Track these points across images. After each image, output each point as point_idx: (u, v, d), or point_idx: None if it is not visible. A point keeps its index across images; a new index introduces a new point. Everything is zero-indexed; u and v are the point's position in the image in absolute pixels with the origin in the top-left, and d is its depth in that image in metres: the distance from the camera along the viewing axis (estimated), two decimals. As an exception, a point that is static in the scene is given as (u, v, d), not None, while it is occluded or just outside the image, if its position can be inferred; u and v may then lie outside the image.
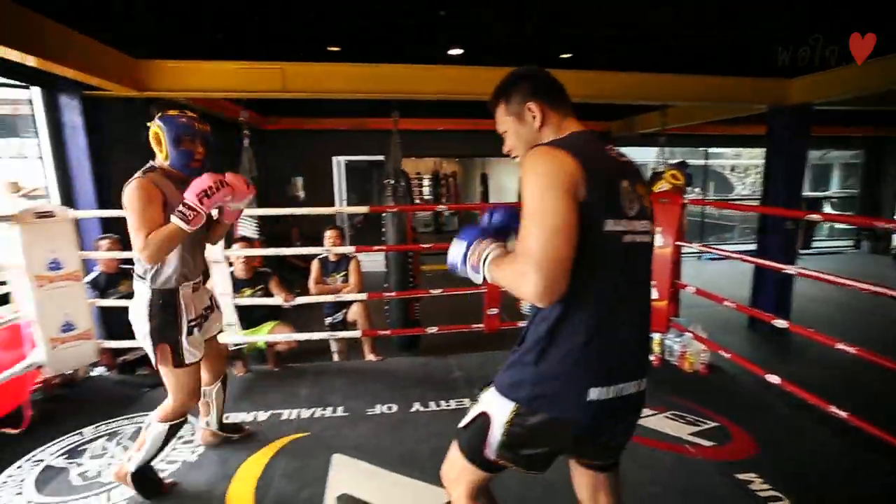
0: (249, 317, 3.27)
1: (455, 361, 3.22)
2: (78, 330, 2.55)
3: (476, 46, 4.27)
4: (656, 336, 3.06)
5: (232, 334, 2.85)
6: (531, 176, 0.91)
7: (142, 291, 1.73)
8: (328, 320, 3.74)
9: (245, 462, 2.10)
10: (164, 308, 1.72)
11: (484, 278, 1.03)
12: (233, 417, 2.50)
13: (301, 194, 8.08)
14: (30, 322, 2.45)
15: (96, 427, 2.41)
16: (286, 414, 2.54)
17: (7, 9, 2.49)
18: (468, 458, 1.10)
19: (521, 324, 3.67)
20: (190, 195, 1.57)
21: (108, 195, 3.79)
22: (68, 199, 3.73)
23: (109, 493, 1.91)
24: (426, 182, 12.66)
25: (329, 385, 2.90)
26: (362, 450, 2.19)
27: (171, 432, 1.82)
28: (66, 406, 2.62)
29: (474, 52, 4.36)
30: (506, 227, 1.15)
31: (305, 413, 2.55)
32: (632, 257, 0.99)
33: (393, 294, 3.64)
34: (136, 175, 1.64)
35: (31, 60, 2.80)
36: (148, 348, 1.73)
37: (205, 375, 1.98)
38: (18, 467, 2.09)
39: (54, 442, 2.27)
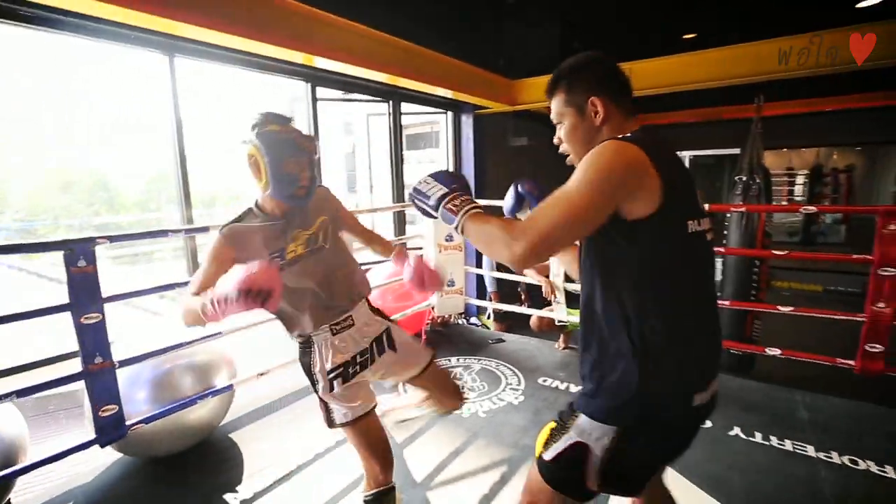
0: (575, 299, 3.64)
1: (802, 398, 2.61)
2: (456, 287, 3.56)
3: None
4: None
5: (560, 312, 3.29)
6: (594, 160, 0.87)
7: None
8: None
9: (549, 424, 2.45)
10: (302, 359, 1.43)
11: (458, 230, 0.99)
12: (549, 383, 2.92)
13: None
14: (431, 275, 3.61)
15: (458, 358, 3.32)
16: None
17: (436, 60, 3.66)
18: (559, 489, 1.05)
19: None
20: (218, 289, 1.08)
21: (482, 188, 4.97)
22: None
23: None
24: (800, 179, 9.99)
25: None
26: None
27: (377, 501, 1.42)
28: (445, 338, 3.71)
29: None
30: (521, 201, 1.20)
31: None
32: (709, 255, 1.00)
33: (726, 303, 3.21)
34: (225, 223, 1.32)
35: (448, 93, 4.01)
36: None
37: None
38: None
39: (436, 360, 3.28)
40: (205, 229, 2.34)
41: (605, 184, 0.85)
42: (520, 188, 1.23)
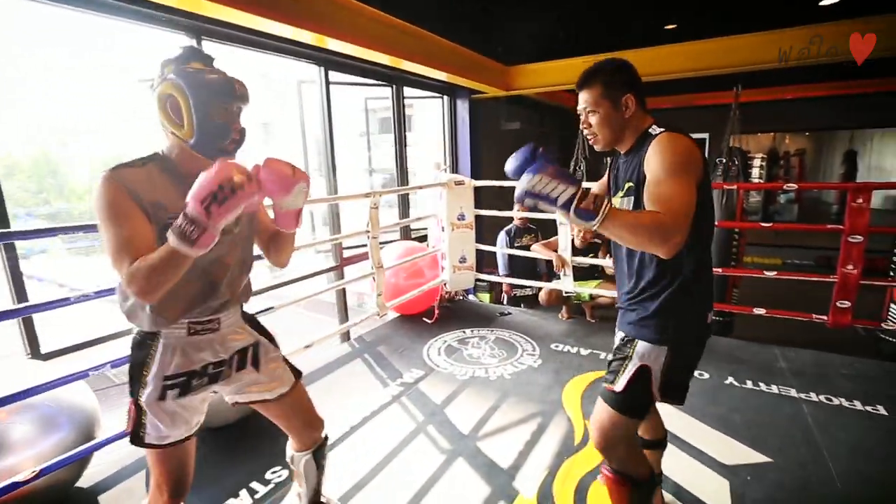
0: (580, 272, 3.89)
1: (780, 352, 3.00)
2: (468, 263, 3.76)
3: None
4: None
5: (566, 284, 3.55)
6: (675, 149, 1.10)
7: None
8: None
9: (569, 382, 2.72)
10: (135, 354, 1.15)
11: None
12: (561, 348, 3.20)
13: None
14: (443, 253, 3.78)
15: (471, 330, 3.54)
16: (602, 355, 3.05)
17: (437, 43, 3.78)
18: (630, 415, 1.26)
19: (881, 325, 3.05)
20: (192, 201, 0.90)
21: (478, 171, 5.15)
22: (454, 172, 5.28)
23: (486, 368, 2.88)
24: (757, 162, 10.76)
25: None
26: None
27: None
28: (453, 312, 3.91)
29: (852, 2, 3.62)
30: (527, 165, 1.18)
31: (619, 358, 3.00)
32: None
33: (719, 270, 3.55)
34: (108, 169, 1.03)
35: (447, 77, 4.14)
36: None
37: (291, 441, 1.46)
38: (432, 343, 3.35)
39: (451, 332, 3.48)
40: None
41: (692, 165, 1.10)
42: (536, 153, 1.20)
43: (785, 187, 3.32)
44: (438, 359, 3.05)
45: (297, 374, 1.40)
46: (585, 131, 1.26)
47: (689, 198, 1.05)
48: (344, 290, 3.69)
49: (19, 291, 2.00)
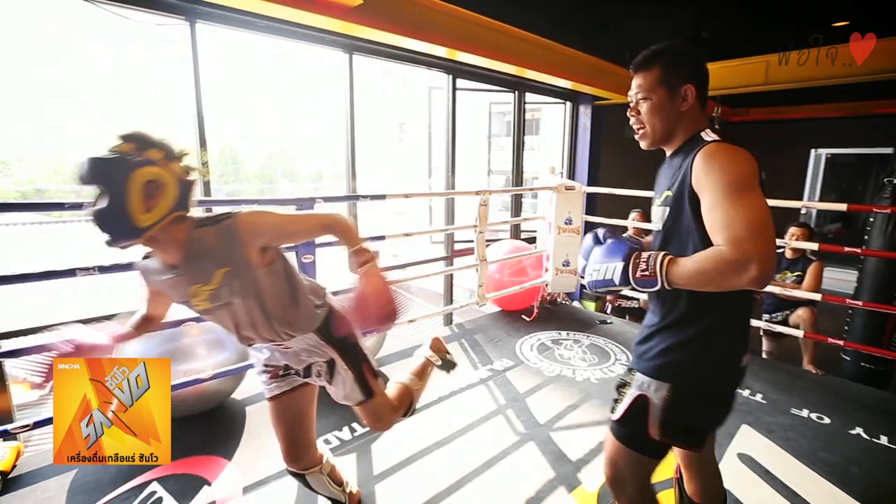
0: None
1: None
2: (571, 267, 3.81)
3: None
4: None
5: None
6: (733, 162, 0.94)
7: None
8: (765, 317, 3.64)
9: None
10: None
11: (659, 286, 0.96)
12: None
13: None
14: (547, 255, 3.89)
15: (567, 332, 3.58)
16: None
17: (560, 52, 3.86)
18: (635, 449, 1.13)
19: None
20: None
21: (596, 178, 5.10)
22: (570, 177, 5.29)
23: (574, 369, 2.94)
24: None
25: (755, 373, 2.97)
26: (774, 434, 2.27)
27: None
28: (553, 314, 3.98)
29: None
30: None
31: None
32: None
33: (859, 303, 3.07)
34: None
35: (566, 83, 4.20)
36: None
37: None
38: (527, 338, 3.48)
39: (547, 332, 3.58)
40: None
41: (754, 180, 0.94)
42: (601, 236, 1.14)
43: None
44: (530, 354, 3.19)
45: (367, 392, 1.37)
46: (632, 121, 1.13)
47: (758, 214, 0.89)
48: (451, 277, 4.02)
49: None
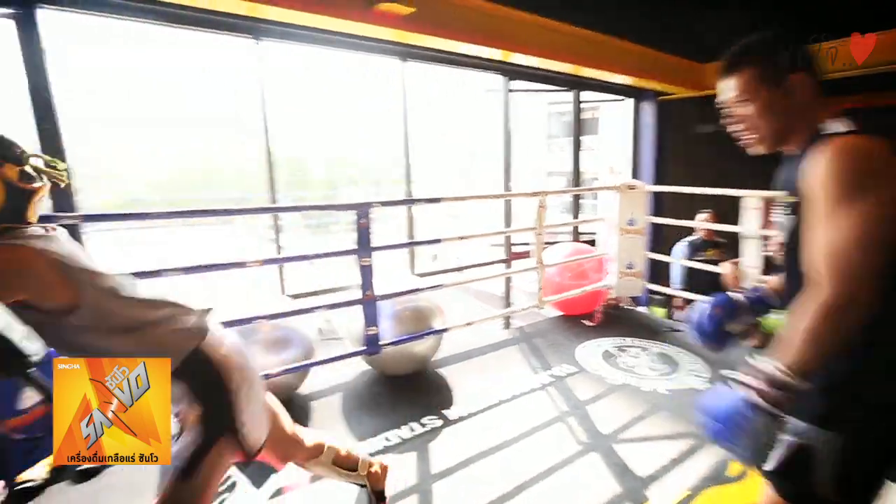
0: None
1: None
2: (635, 269, 3.63)
3: None
4: None
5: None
6: (851, 161, 0.78)
7: None
8: None
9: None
10: None
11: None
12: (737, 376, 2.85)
13: None
14: (609, 258, 3.73)
15: (632, 339, 3.41)
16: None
17: (618, 47, 3.72)
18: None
19: None
20: None
21: (662, 177, 4.84)
22: (634, 177, 5.05)
23: (640, 378, 2.78)
24: None
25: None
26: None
27: None
28: (616, 319, 3.81)
29: None
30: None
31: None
32: None
33: None
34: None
35: (627, 80, 4.02)
36: None
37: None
38: (588, 344, 3.35)
39: (610, 338, 3.42)
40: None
41: (874, 181, 0.77)
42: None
43: None
44: (591, 360, 3.06)
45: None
46: (735, 129, 0.99)
47: (851, 233, 0.75)
48: (509, 280, 3.98)
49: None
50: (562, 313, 3.90)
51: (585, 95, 4.48)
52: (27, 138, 2.20)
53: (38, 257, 0.92)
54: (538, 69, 3.85)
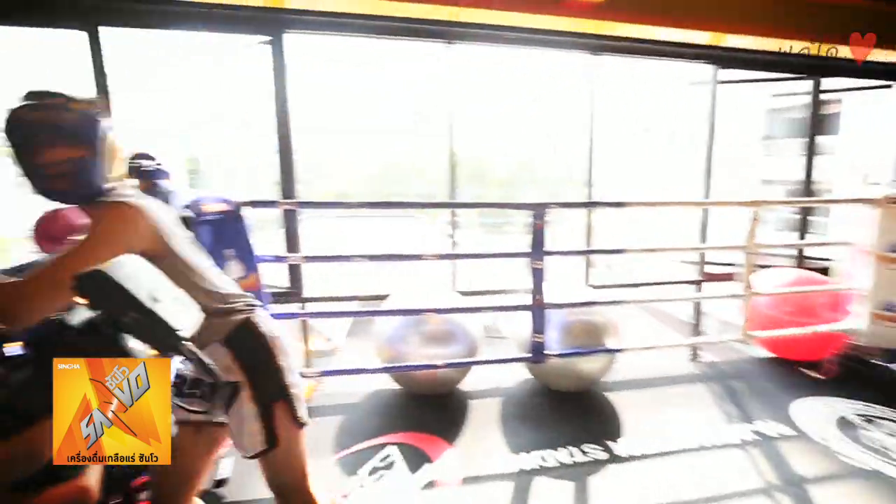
0: None
1: None
2: (897, 312, 2.68)
3: None
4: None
5: None
6: None
7: None
8: None
9: None
10: None
11: None
12: None
13: None
14: (856, 294, 2.83)
15: (884, 408, 2.49)
16: None
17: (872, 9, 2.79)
18: None
19: None
20: None
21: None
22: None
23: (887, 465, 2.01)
24: None
25: None
26: None
27: None
28: (860, 375, 2.88)
29: None
30: None
31: None
32: None
33: None
34: None
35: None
36: None
37: None
38: (811, 402, 2.58)
39: (848, 401, 2.57)
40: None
41: None
42: None
43: None
44: (816, 425, 2.36)
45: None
46: None
47: None
48: (699, 305, 3.35)
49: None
50: (773, 355, 3.13)
51: (828, 83, 3.50)
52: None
53: (139, 213, 1.02)
54: (758, 52, 3.15)
